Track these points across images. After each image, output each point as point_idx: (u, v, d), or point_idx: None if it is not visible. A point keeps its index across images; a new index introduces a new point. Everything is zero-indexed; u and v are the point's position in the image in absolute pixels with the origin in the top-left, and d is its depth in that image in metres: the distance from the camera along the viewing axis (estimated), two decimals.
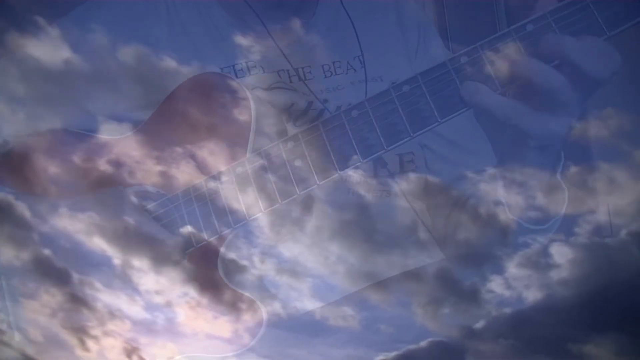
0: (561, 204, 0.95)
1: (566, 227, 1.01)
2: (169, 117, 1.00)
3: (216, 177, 0.93)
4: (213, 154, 0.95)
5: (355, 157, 0.88)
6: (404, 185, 1.11)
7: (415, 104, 0.86)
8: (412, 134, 0.86)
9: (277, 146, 0.91)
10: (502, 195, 0.94)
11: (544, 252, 0.97)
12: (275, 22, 1.10)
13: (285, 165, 0.90)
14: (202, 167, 0.95)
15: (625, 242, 0.96)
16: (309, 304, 1.00)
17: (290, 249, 0.98)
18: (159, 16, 1.11)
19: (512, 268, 0.97)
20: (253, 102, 0.95)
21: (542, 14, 0.84)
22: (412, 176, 1.13)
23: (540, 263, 0.96)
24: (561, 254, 0.96)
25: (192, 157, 0.97)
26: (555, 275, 0.95)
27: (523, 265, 0.96)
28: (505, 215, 0.95)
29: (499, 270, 0.96)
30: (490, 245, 1.00)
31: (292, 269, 0.99)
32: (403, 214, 1.11)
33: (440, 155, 1.15)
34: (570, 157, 0.95)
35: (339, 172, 0.88)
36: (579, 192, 0.97)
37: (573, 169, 0.96)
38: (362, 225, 1.05)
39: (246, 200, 0.91)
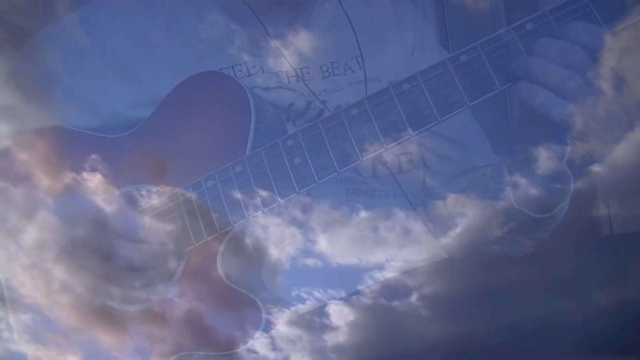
0: (567, 191, 0.95)
1: (349, 282, 0.94)
2: (169, 116, 1.00)
3: (215, 176, 0.93)
4: (213, 153, 0.95)
5: (354, 155, 0.88)
6: (403, 184, 1.12)
7: (414, 102, 0.86)
8: (411, 133, 0.86)
9: (277, 144, 0.91)
10: (508, 185, 0.94)
11: (320, 310, 0.89)
12: (273, 22, 1.10)
13: (284, 163, 0.90)
14: (201, 166, 0.95)
15: (416, 306, 0.87)
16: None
17: None
18: (156, 17, 1.11)
19: (281, 325, 0.88)
20: (252, 101, 0.96)
21: (542, 13, 0.84)
22: (411, 175, 1.13)
23: (315, 323, 0.88)
24: (339, 314, 0.87)
25: (191, 155, 0.97)
26: (330, 339, 0.86)
27: (294, 323, 0.88)
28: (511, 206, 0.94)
29: (266, 327, 0.89)
30: None
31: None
32: (402, 213, 1.11)
33: (439, 154, 1.15)
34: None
35: (338, 170, 0.88)
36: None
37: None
38: None
39: (245, 199, 0.91)
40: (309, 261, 0.95)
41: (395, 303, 0.88)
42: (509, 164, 0.94)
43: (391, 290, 0.93)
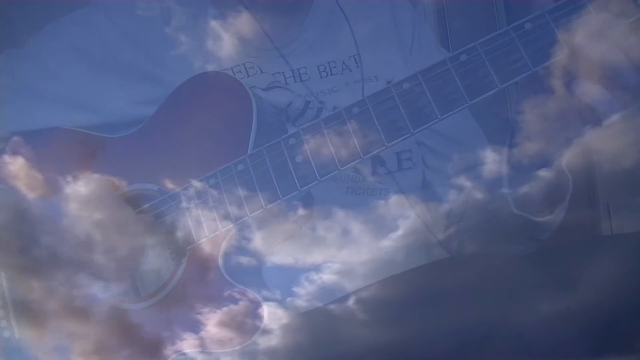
0: (565, 193, 0.95)
1: (285, 284, 0.92)
2: (172, 116, 1.01)
3: (217, 174, 0.94)
4: (215, 151, 0.96)
5: (355, 153, 0.88)
6: (402, 183, 1.12)
7: (415, 101, 0.87)
8: (412, 131, 0.87)
9: (279, 143, 0.91)
10: (507, 190, 0.95)
11: (253, 311, 0.87)
12: (270, 22, 1.11)
13: (286, 161, 0.90)
14: (203, 165, 0.95)
15: (352, 310, 0.86)
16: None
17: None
18: (154, 18, 1.12)
19: (212, 326, 0.86)
20: (254, 100, 0.96)
21: (540, 13, 0.85)
22: (410, 173, 1.14)
23: (247, 324, 0.86)
24: (273, 316, 0.85)
25: (193, 154, 0.97)
26: (263, 342, 0.85)
27: (225, 324, 0.86)
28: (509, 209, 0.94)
29: (194, 327, 0.87)
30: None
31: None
32: (401, 212, 1.11)
33: (438, 152, 1.16)
34: None
35: (339, 168, 0.89)
36: None
37: None
38: None
39: (248, 197, 0.92)
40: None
41: (332, 306, 0.88)
42: (507, 163, 0.95)
43: (327, 292, 0.92)
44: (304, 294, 0.93)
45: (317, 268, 0.98)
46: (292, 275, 0.98)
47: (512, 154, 0.95)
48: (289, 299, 0.91)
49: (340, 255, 0.99)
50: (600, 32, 0.81)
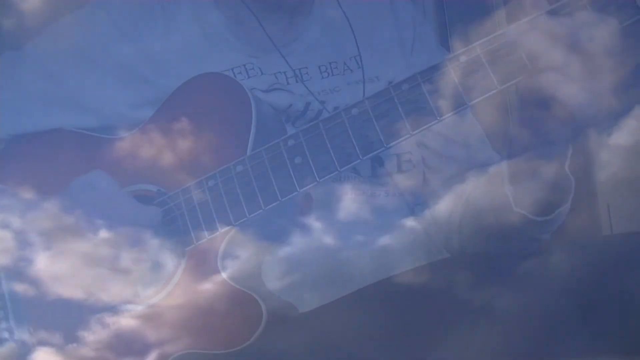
0: (567, 195, 0.95)
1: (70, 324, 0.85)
2: (171, 117, 1.01)
3: (217, 175, 0.94)
4: (214, 152, 0.96)
5: (355, 154, 0.88)
6: (402, 184, 1.12)
7: (414, 102, 0.87)
8: (411, 132, 0.87)
9: (278, 144, 0.91)
10: (508, 188, 0.94)
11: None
12: (272, 22, 1.11)
13: (285, 163, 0.90)
14: (202, 166, 0.95)
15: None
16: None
17: None
18: (155, 19, 1.12)
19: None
20: (253, 102, 0.96)
21: (540, 14, 0.85)
22: (410, 175, 1.14)
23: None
24: None
25: (193, 155, 0.97)
26: None
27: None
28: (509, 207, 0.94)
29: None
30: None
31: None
32: (401, 213, 1.11)
33: (438, 153, 1.16)
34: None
35: (339, 169, 0.89)
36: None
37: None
38: None
39: (247, 198, 0.92)
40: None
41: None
42: (508, 164, 0.95)
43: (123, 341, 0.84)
44: (92, 342, 0.86)
45: (113, 309, 0.92)
46: (81, 314, 0.92)
47: (512, 154, 0.95)
48: (71, 345, 0.85)
49: (145, 294, 0.92)
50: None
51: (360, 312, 0.96)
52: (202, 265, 0.93)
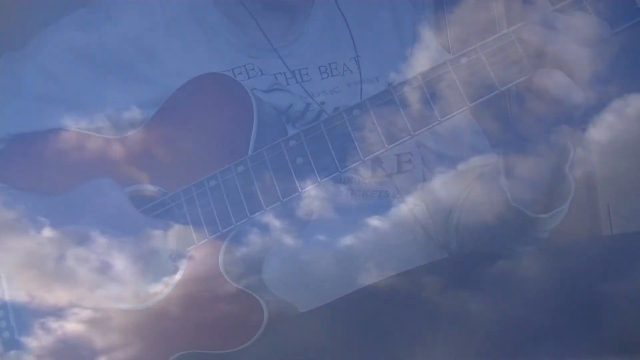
0: (567, 195, 0.95)
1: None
2: (172, 117, 1.01)
3: (218, 176, 0.94)
4: (215, 153, 0.96)
5: (356, 155, 0.89)
6: (402, 185, 1.12)
7: (415, 103, 0.87)
8: (412, 133, 0.87)
9: (279, 145, 0.91)
10: (504, 182, 0.95)
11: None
12: (272, 23, 1.11)
13: (287, 163, 0.91)
14: (203, 166, 0.95)
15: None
16: None
17: None
18: (155, 20, 1.12)
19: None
20: (255, 102, 0.96)
21: (541, 15, 0.85)
22: (410, 175, 1.14)
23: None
24: None
25: (194, 155, 0.97)
26: None
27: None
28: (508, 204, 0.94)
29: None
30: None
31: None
32: (401, 213, 1.11)
33: (438, 153, 1.16)
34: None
35: (340, 170, 0.89)
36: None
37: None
38: None
39: (248, 198, 0.92)
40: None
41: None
42: (508, 164, 0.95)
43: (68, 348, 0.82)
44: (35, 348, 0.83)
45: (57, 313, 0.89)
46: (24, 317, 0.91)
47: (512, 153, 0.95)
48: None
49: (94, 297, 0.89)
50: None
51: (360, 312, 0.96)
52: (203, 266, 0.93)
